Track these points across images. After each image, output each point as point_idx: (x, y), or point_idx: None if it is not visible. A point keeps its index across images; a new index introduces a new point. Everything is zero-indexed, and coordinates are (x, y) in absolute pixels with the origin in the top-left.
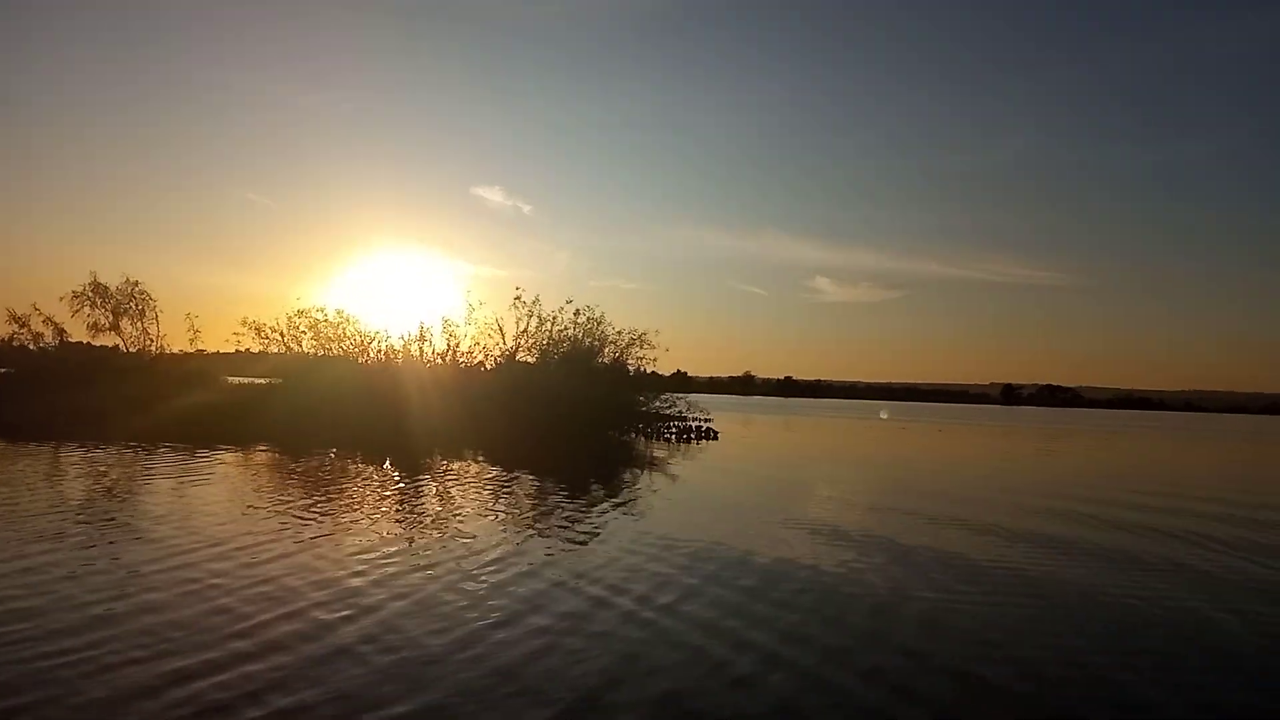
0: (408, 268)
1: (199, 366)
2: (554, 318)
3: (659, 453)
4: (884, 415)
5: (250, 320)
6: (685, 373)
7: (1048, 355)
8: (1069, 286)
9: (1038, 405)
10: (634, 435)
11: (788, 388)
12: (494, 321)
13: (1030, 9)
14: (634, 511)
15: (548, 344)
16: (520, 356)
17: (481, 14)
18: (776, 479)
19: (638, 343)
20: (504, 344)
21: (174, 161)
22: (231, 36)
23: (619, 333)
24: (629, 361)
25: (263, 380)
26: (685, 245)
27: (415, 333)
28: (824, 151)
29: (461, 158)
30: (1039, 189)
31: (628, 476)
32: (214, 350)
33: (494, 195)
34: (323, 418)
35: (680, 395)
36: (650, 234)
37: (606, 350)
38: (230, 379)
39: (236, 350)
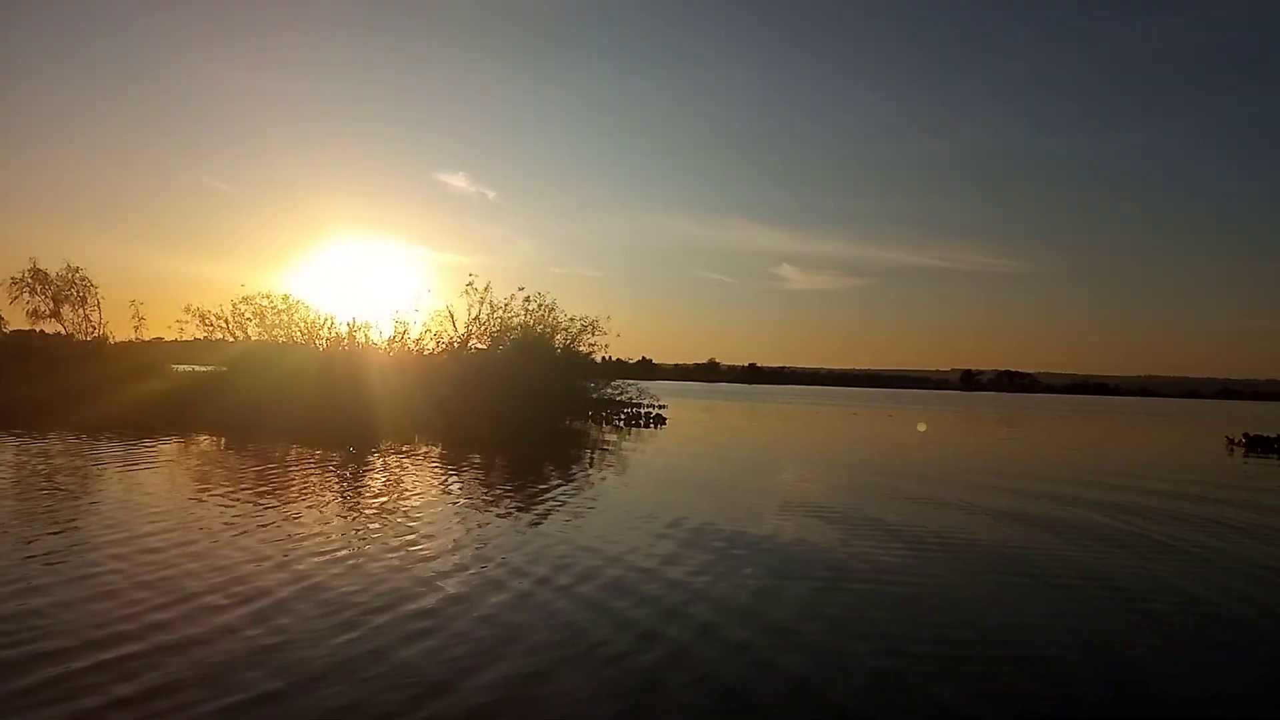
0: (369, 255)
1: (144, 355)
2: (506, 304)
3: (606, 438)
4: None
5: (194, 307)
6: (650, 360)
7: (1008, 342)
8: (1029, 274)
9: (996, 390)
10: (584, 421)
11: (752, 375)
12: (445, 309)
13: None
14: (567, 497)
15: (499, 331)
16: (473, 344)
17: None
18: (709, 461)
19: (589, 329)
20: (455, 331)
21: (128, 144)
22: (185, 16)
23: (571, 319)
24: (580, 348)
25: (209, 368)
26: (650, 232)
27: (361, 320)
28: (788, 139)
29: (425, 143)
30: (999, 178)
31: (570, 462)
32: (173, 339)
33: (458, 181)
34: (269, 405)
35: (632, 382)
36: (615, 221)
37: (558, 337)
38: (178, 367)
39: (196, 338)
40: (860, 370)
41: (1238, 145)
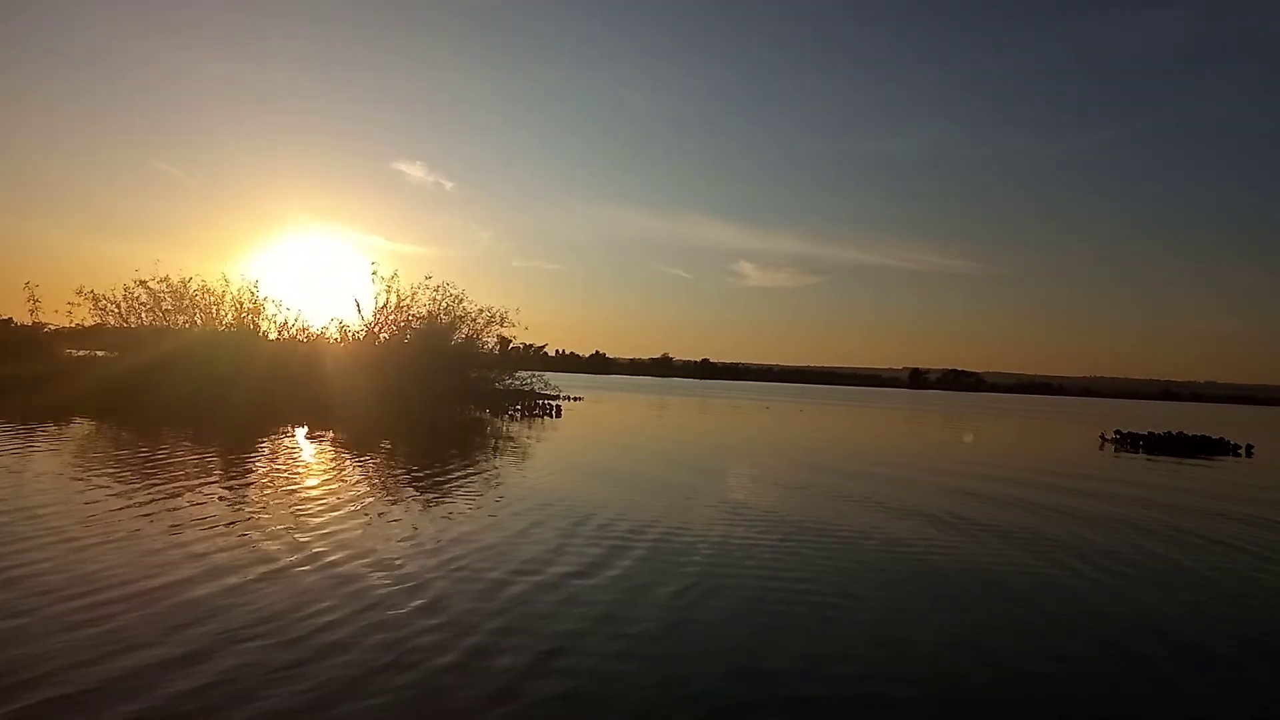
0: (322, 243)
1: (30, 336)
2: (412, 294)
3: (498, 427)
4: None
5: (86, 289)
6: (604, 354)
7: (958, 341)
8: (984, 275)
9: (943, 389)
10: (484, 412)
11: (705, 370)
12: (352, 299)
13: (943, 1)
14: (441, 484)
15: (405, 322)
16: (381, 334)
17: None
18: (579, 444)
19: (497, 320)
20: (362, 320)
21: (77, 128)
22: (134, 1)
23: (480, 310)
24: (488, 339)
25: (102, 353)
26: (610, 226)
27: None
28: (746, 135)
29: (381, 131)
30: (949, 177)
31: (456, 450)
32: (73, 324)
33: (415, 170)
34: (156, 391)
35: (535, 373)
36: (575, 214)
37: (464, 329)
38: (71, 352)
39: (126, 323)
40: (814, 367)
41: (1164, 153)
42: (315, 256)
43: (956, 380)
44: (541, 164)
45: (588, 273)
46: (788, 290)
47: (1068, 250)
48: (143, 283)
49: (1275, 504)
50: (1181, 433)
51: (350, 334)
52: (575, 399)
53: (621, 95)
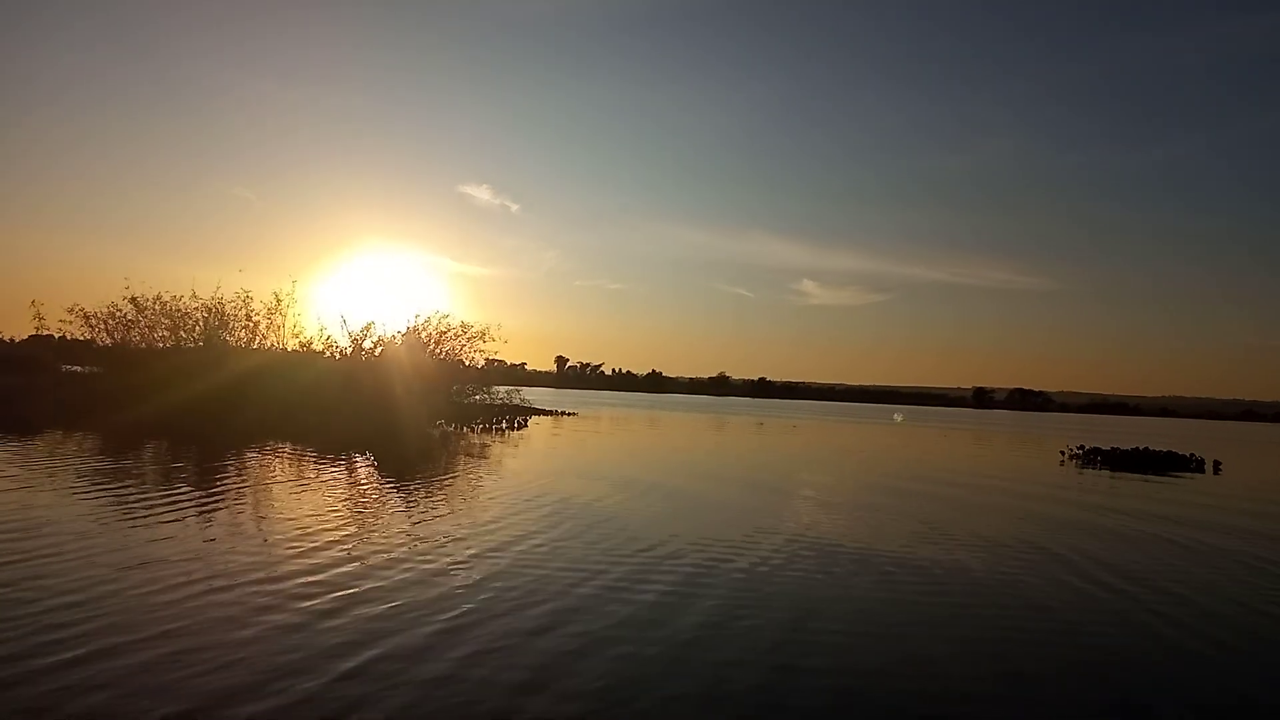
0: (391, 264)
1: (29, 353)
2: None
3: (466, 441)
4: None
5: (78, 307)
6: (660, 373)
7: (1027, 360)
8: (1047, 291)
9: (1009, 409)
10: (455, 426)
11: (761, 389)
12: (340, 315)
13: (1015, 9)
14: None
15: (384, 339)
16: (373, 348)
17: (470, 9)
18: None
19: (480, 336)
20: (348, 336)
21: (158, 156)
22: (213, 30)
23: (464, 327)
24: (471, 354)
25: (88, 369)
26: (673, 245)
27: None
28: (812, 152)
29: (449, 155)
30: (1019, 192)
31: (418, 463)
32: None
33: (481, 193)
34: (131, 407)
35: (510, 388)
36: (639, 234)
37: (445, 345)
38: (66, 367)
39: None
40: (875, 386)
41: (1257, 161)
42: (383, 275)
43: (1024, 400)
44: (604, 184)
45: (649, 292)
46: (851, 308)
47: (1142, 266)
48: (132, 299)
49: None
50: (1147, 449)
51: (339, 349)
52: (568, 414)
53: (682, 114)
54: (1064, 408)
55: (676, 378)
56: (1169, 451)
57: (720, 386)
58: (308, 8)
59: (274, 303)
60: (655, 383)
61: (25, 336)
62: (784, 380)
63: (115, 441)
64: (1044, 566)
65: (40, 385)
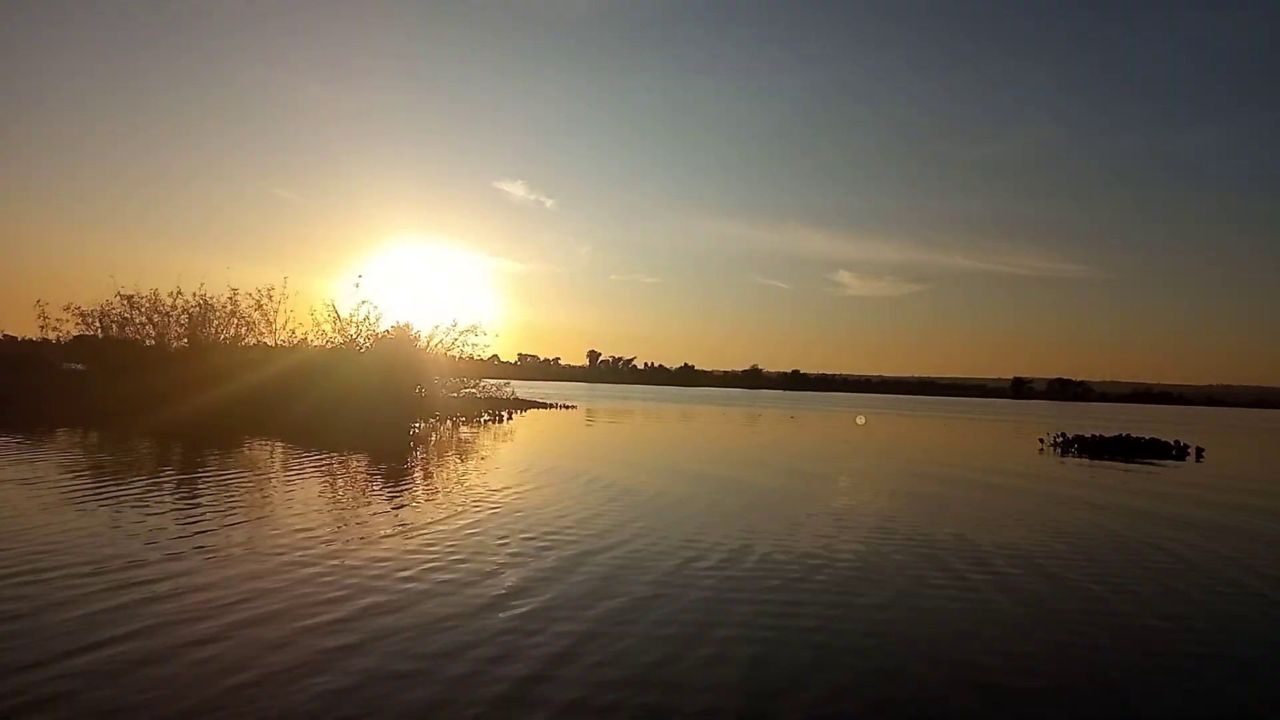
0: (428, 260)
1: (30, 352)
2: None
3: (441, 434)
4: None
5: (73, 306)
6: (692, 366)
7: (1067, 349)
8: (1095, 279)
9: (1049, 399)
10: (438, 419)
11: (795, 381)
12: (329, 304)
13: None
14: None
15: (369, 334)
16: (359, 342)
17: (504, 6)
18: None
19: (470, 331)
20: (336, 328)
21: (198, 157)
22: (250, 30)
23: (454, 323)
24: (460, 349)
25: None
26: (708, 238)
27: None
28: (845, 143)
29: (484, 151)
30: (1056, 179)
31: (396, 455)
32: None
33: (516, 189)
34: (118, 403)
35: (499, 381)
36: (673, 227)
37: (433, 340)
38: (68, 366)
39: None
40: (913, 378)
41: None
42: (420, 270)
43: (1063, 389)
44: (639, 178)
45: (685, 285)
46: (888, 299)
47: (1186, 252)
48: (128, 297)
49: None
50: (1128, 436)
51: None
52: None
53: (715, 107)
54: (1104, 397)
55: (710, 371)
56: (1151, 439)
57: (753, 379)
58: (338, 5)
59: (264, 297)
60: (687, 376)
61: (70, 337)
62: (819, 373)
63: (120, 441)
64: (927, 554)
65: (34, 384)
